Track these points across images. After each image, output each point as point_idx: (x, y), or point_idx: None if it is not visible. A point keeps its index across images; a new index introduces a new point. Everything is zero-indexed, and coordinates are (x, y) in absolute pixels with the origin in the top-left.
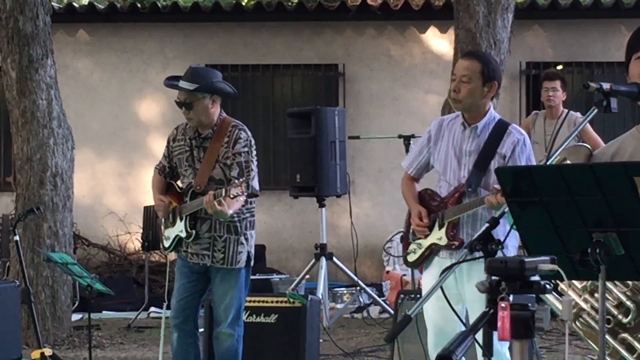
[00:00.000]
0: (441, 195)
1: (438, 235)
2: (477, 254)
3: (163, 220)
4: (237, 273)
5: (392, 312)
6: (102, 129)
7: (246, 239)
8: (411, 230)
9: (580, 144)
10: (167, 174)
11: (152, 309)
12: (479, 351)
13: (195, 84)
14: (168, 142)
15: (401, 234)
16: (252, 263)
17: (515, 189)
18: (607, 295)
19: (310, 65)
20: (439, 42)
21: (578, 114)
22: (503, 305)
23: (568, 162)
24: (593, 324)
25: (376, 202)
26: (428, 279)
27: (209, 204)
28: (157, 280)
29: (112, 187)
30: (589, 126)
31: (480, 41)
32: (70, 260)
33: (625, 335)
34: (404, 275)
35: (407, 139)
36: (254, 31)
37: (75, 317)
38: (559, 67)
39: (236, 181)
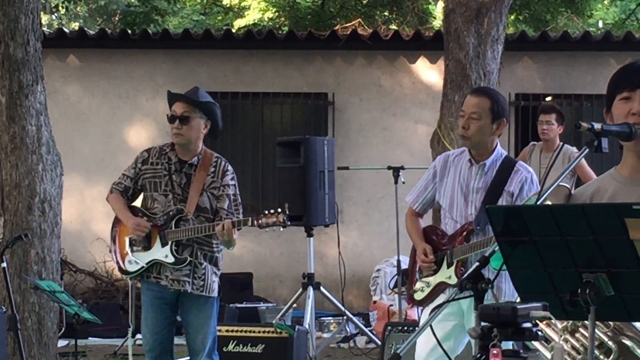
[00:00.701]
0: (447, 232)
1: (447, 274)
2: (466, 293)
3: (127, 243)
4: (212, 303)
5: (379, 342)
6: (91, 155)
7: (218, 270)
8: (418, 268)
9: (562, 184)
10: (128, 197)
11: (138, 335)
12: None
13: (202, 99)
14: (136, 164)
15: (389, 262)
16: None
17: (506, 228)
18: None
19: (300, 94)
20: (428, 72)
21: (574, 149)
22: (495, 352)
23: (548, 202)
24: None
25: (364, 232)
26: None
27: (228, 232)
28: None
29: (100, 213)
30: (583, 161)
31: (470, 72)
32: (57, 289)
33: None
34: (391, 305)
35: (396, 171)
36: (244, 59)
37: (62, 343)
38: (549, 99)
39: (267, 212)
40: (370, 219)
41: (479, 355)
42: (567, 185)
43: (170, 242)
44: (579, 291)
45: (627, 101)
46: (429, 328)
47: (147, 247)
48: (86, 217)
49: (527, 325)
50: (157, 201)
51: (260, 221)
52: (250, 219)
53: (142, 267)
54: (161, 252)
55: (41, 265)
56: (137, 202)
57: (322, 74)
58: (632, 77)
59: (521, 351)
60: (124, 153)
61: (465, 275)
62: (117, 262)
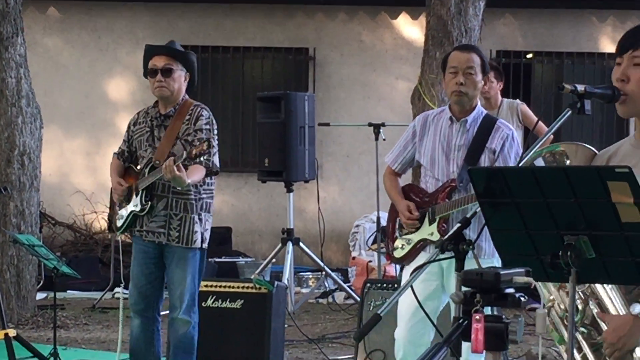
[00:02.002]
0: (428, 190)
1: (429, 231)
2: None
3: (118, 203)
4: (193, 256)
5: (357, 298)
6: (71, 108)
7: (200, 219)
8: (397, 226)
9: (585, 145)
10: (126, 159)
11: (117, 289)
12: None
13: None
14: (129, 127)
15: (368, 218)
16: (205, 246)
17: (488, 190)
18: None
19: (281, 49)
20: (410, 28)
21: (518, 101)
22: (477, 317)
23: (566, 159)
24: (557, 319)
25: (343, 187)
26: (411, 270)
27: (169, 168)
28: (123, 261)
29: (80, 166)
30: (527, 109)
31: (452, 29)
32: (36, 242)
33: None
34: (370, 261)
35: (377, 127)
36: (225, 12)
37: (40, 295)
38: (529, 56)
39: (197, 142)
40: (349, 174)
41: (461, 321)
42: (591, 147)
43: (140, 191)
44: (560, 253)
45: (618, 67)
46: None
47: (128, 201)
48: (65, 169)
49: (510, 291)
50: (143, 158)
51: (192, 152)
52: (184, 151)
53: (126, 220)
54: (134, 202)
55: (20, 218)
56: None
57: (303, 29)
58: (622, 41)
59: (503, 316)
60: (103, 106)
61: (447, 236)
62: (110, 221)
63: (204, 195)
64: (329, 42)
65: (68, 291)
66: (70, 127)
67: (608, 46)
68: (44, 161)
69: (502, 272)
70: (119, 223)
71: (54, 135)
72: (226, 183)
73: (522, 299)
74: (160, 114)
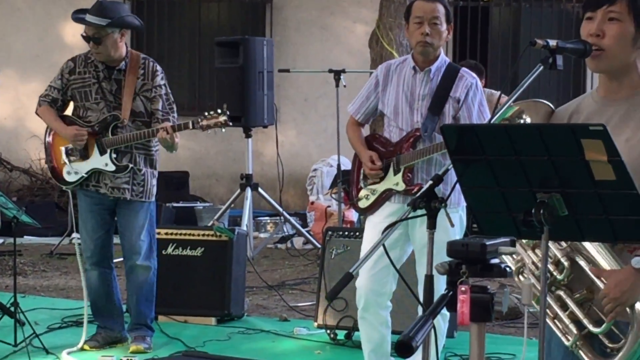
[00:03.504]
0: (392, 140)
1: (394, 181)
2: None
3: (63, 153)
4: (148, 205)
5: (316, 244)
6: (26, 51)
7: (156, 171)
8: (362, 176)
9: (542, 100)
10: (57, 108)
11: (75, 235)
12: None
13: (105, 19)
14: (62, 75)
15: (326, 162)
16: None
17: (460, 147)
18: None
19: None
20: None
21: (499, 92)
22: (463, 289)
23: (525, 116)
24: (533, 279)
25: (301, 131)
26: (375, 220)
27: (170, 137)
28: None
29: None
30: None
31: None
32: None
33: (560, 292)
34: (329, 207)
35: (337, 74)
36: None
37: None
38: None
39: (207, 114)
40: (307, 118)
41: (446, 292)
42: (549, 103)
43: (109, 150)
44: (533, 211)
45: (589, 21)
46: (377, 237)
47: (85, 156)
48: (21, 114)
49: (496, 261)
50: (90, 110)
51: (202, 123)
52: (191, 122)
53: (82, 176)
54: (100, 161)
55: None
56: (68, 112)
57: None
58: None
59: (488, 287)
60: (59, 50)
61: (419, 194)
62: (54, 173)
63: (158, 149)
64: None
65: (25, 237)
66: (25, 70)
67: None
68: None
69: (487, 243)
70: (72, 178)
71: (8, 79)
72: None
73: (508, 269)
74: (107, 66)
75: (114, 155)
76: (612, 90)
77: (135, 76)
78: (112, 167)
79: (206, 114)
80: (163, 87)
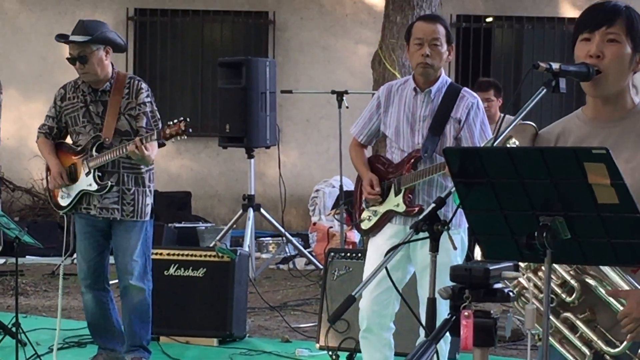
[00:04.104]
0: (394, 161)
1: (395, 202)
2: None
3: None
4: (141, 225)
5: (318, 265)
6: (29, 71)
7: (150, 192)
8: (364, 198)
9: (527, 122)
10: (54, 136)
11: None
12: None
13: (87, 36)
14: (55, 103)
15: (328, 183)
16: (154, 216)
17: (463, 169)
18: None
19: (241, 12)
20: None
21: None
22: (466, 314)
23: (514, 140)
24: (536, 302)
25: (303, 152)
26: (378, 242)
27: (140, 149)
28: None
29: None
30: None
31: None
32: None
33: (567, 314)
34: (331, 227)
35: (340, 95)
36: None
37: None
38: (489, 20)
39: (171, 123)
40: (309, 138)
41: (449, 316)
42: (533, 124)
43: (92, 170)
44: (536, 234)
45: (587, 42)
46: (379, 259)
47: (74, 179)
48: (23, 133)
49: (499, 286)
50: (80, 134)
51: (166, 132)
52: (155, 132)
53: (74, 199)
54: (86, 181)
55: None
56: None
57: None
58: (593, 17)
59: (492, 312)
60: (62, 69)
61: (422, 216)
62: (52, 199)
63: (151, 166)
64: (288, 5)
65: (27, 257)
66: (28, 90)
67: (568, 11)
68: (1, 125)
69: (491, 268)
70: (65, 202)
71: (11, 99)
72: (185, 147)
73: (511, 294)
74: (93, 89)
75: (98, 174)
76: (604, 113)
77: (120, 96)
78: (95, 187)
79: (169, 122)
80: (148, 104)
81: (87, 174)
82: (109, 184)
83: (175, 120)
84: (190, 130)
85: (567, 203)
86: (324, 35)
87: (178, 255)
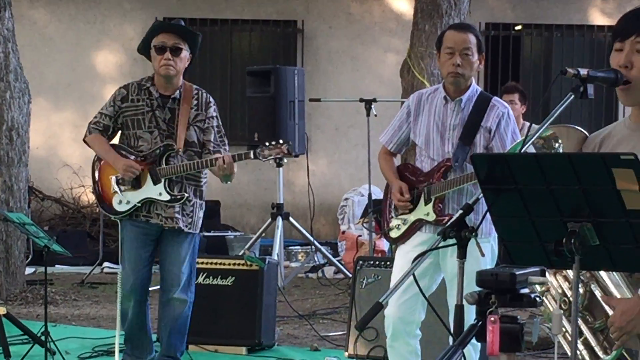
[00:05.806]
0: (424, 170)
1: (425, 211)
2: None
3: (113, 183)
4: (192, 237)
5: (347, 273)
6: (58, 80)
7: (204, 205)
8: (393, 206)
9: (576, 127)
10: (109, 136)
11: (106, 264)
12: None
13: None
14: (114, 102)
15: (357, 192)
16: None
17: (490, 176)
18: (564, 279)
19: (269, 21)
20: (398, 1)
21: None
22: (492, 319)
23: (559, 141)
24: (553, 304)
25: (332, 160)
26: (406, 249)
27: (230, 165)
28: (112, 235)
29: (67, 139)
30: None
31: (441, 1)
32: (27, 221)
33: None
34: (360, 236)
35: (368, 103)
36: None
37: (28, 270)
38: (518, 28)
39: (268, 144)
40: (338, 147)
41: (476, 322)
42: (582, 129)
43: (163, 180)
44: (564, 240)
45: (618, 53)
46: (407, 266)
47: (137, 185)
48: (53, 143)
49: (525, 291)
50: (142, 139)
51: (264, 153)
52: (252, 152)
53: (135, 205)
54: (154, 190)
55: (9, 194)
56: (115, 140)
57: (291, 1)
58: (623, 26)
59: (518, 316)
60: (91, 79)
61: (449, 223)
62: (103, 203)
63: (206, 181)
64: (317, 14)
65: (56, 266)
66: (57, 100)
67: (598, 18)
68: (31, 134)
69: (517, 273)
70: (122, 207)
71: (41, 109)
72: None
73: (538, 299)
74: (161, 95)
75: (170, 186)
76: None
77: (189, 106)
78: (166, 197)
79: (267, 144)
80: (215, 118)
81: (156, 183)
82: (185, 195)
83: (274, 142)
84: (293, 154)
85: (596, 209)
86: (352, 43)
87: (207, 264)
